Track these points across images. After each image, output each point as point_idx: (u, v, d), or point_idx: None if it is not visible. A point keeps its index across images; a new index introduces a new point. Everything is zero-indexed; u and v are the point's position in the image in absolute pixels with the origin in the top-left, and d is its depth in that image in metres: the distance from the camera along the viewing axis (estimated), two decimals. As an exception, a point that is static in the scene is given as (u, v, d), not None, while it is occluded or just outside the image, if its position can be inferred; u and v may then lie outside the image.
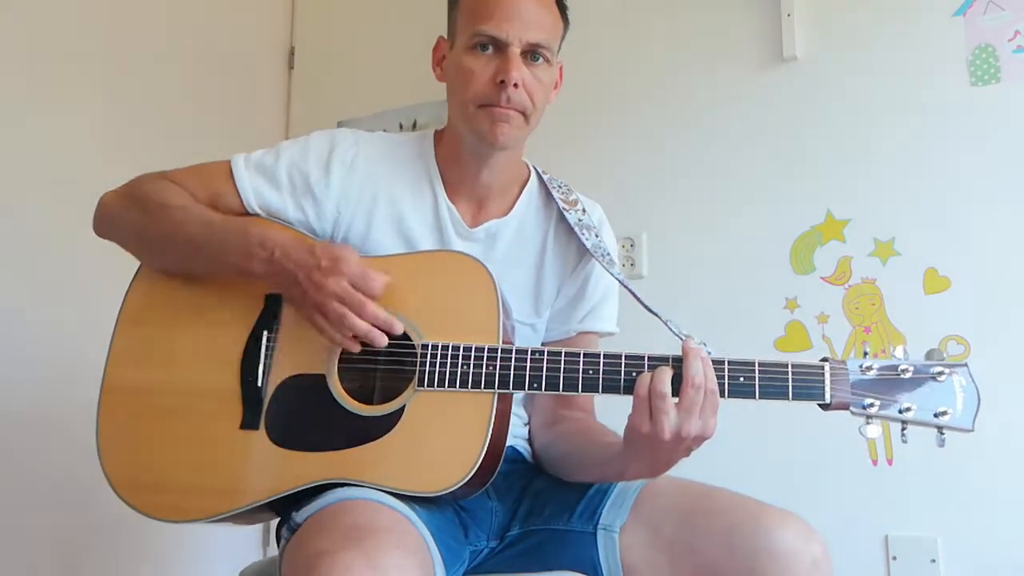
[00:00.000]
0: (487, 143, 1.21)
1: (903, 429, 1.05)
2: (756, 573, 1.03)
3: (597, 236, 1.30)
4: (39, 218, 1.91)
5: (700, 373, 1.02)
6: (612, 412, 1.16)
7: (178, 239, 1.18)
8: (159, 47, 2.26)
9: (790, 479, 1.83)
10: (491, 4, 1.18)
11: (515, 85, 1.17)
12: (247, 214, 1.23)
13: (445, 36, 1.28)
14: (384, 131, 1.35)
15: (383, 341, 1.10)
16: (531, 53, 1.19)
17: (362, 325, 1.09)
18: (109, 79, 2.11)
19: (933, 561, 1.70)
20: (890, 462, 1.77)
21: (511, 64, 1.17)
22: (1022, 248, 1.71)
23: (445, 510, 1.14)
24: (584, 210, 1.33)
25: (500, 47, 1.18)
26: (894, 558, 1.73)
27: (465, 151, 1.25)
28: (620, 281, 1.26)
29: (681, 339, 1.06)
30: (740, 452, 1.83)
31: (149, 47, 2.23)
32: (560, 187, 1.34)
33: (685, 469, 1.14)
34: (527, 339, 1.28)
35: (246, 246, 1.14)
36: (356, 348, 1.11)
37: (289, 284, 1.12)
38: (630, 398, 1.04)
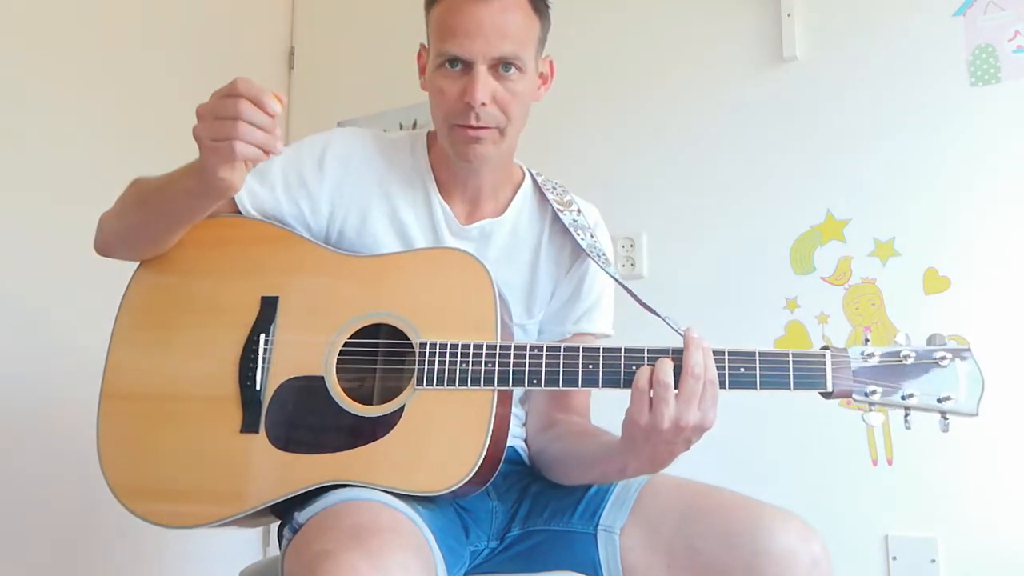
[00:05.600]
0: (463, 161, 1.22)
1: (906, 415, 1.04)
2: (755, 573, 1.03)
3: (592, 236, 1.30)
4: (39, 218, 1.91)
5: (700, 363, 1.02)
6: (608, 413, 1.16)
7: (147, 195, 1.19)
8: (159, 47, 2.26)
9: (790, 479, 1.83)
10: (453, 21, 1.15)
11: (483, 103, 1.15)
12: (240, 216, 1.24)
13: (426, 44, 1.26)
14: (384, 131, 1.35)
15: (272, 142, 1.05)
16: (501, 65, 1.16)
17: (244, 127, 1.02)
18: (109, 79, 2.12)
19: (933, 561, 1.70)
20: (890, 462, 1.77)
21: (476, 84, 1.14)
22: (1022, 248, 1.71)
23: (446, 510, 1.14)
24: (579, 211, 1.33)
25: (466, 65, 1.16)
26: (894, 558, 1.73)
27: (451, 160, 1.26)
28: (616, 279, 1.26)
29: (680, 334, 1.06)
30: (740, 452, 1.83)
31: (149, 47, 2.23)
32: (555, 188, 1.35)
33: (685, 469, 1.15)
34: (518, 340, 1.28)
35: (192, 165, 1.10)
36: (247, 152, 1.03)
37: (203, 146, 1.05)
38: (627, 396, 1.04)
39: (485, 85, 1.15)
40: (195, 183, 1.09)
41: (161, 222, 1.19)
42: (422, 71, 1.27)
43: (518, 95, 1.19)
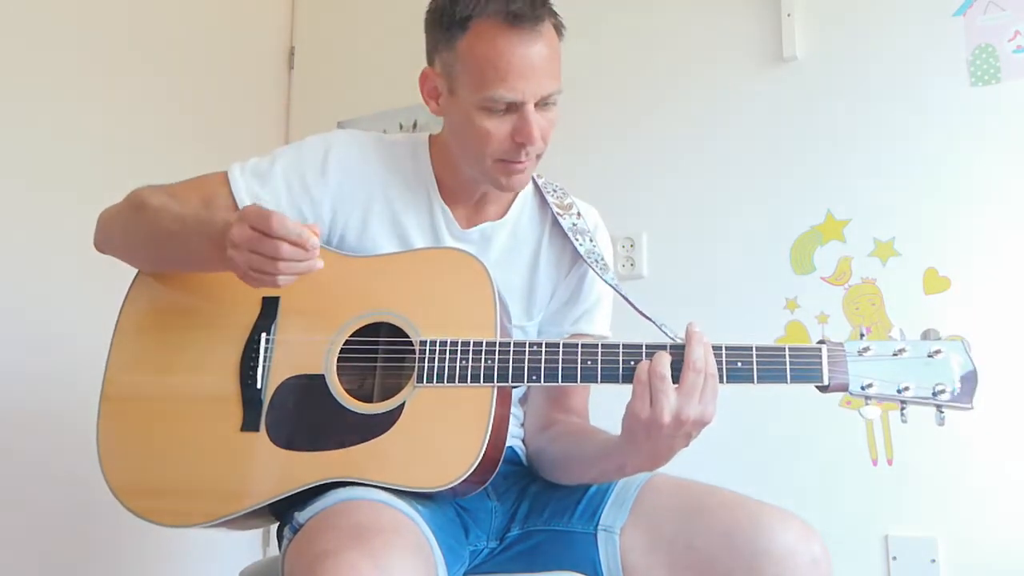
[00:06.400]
0: (505, 190, 1.23)
1: (902, 409, 1.05)
2: (755, 572, 1.03)
3: (591, 241, 1.31)
4: (39, 218, 1.91)
5: (701, 357, 1.03)
6: (605, 412, 1.16)
7: (157, 234, 1.18)
8: (159, 47, 2.26)
9: (790, 479, 1.83)
10: (502, 66, 1.12)
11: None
12: None
13: (430, 66, 1.22)
14: (384, 131, 1.35)
15: (313, 265, 1.05)
16: (543, 101, 1.16)
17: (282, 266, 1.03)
18: (109, 79, 2.12)
19: (933, 561, 1.70)
20: (890, 462, 1.77)
21: (532, 126, 1.14)
22: (1022, 248, 1.71)
23: (447, 510, 1.15)
24: (579, 214, 1.33)
25: (513, 104, 1.14)
26: (894, 558, 1.73)
27: (466, 176, 1.25)
28: (613, 287, 1.27)
29: (677, 340, 1.06)
30: (740, 452, 1.83)
31: (149, 47, 2.23)
32: (555, 191, 1.35)
33: (685, 469, 1.15)
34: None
35: (210, 228, 1.09)
36: (288, 281, 1.05)
37: (240, 271, 1.07)
38: (624, 397, 1.04)
39: (537, 124, 1.15)
40: (223, 265, 1.08)
41: (175, 266, 1.21)
42: (432, 96, 1.23)
43: (554, 122, 1.19)
